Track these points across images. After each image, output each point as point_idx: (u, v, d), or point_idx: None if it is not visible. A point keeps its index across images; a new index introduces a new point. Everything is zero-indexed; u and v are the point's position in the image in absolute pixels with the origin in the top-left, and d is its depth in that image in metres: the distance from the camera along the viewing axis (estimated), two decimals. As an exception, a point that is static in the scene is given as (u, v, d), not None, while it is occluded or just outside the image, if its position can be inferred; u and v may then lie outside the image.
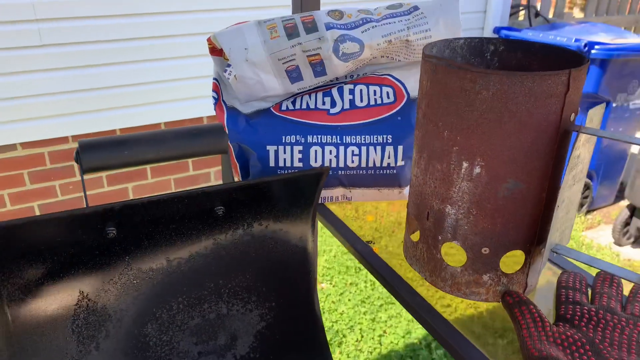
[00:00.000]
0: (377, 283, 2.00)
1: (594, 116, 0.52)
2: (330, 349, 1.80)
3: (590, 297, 0.57)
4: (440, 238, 0.58)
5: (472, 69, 0.49)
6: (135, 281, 0.61)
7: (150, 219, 0.57)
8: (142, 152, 0.58)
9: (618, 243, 2.43)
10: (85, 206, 0.53)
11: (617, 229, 2.40)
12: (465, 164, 0.52)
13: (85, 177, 2.30)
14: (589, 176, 2.66)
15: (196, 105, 2.35)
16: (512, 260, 0.57)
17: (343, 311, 1.99)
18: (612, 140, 2.58)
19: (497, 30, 2.78)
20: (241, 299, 0.68)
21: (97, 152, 0.57)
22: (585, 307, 0.54)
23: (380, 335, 1.86)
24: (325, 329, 1.88)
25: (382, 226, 0.74)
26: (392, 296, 0.62)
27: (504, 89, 0.48)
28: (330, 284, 2.17)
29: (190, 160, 2.46)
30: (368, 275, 2.20)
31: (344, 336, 1.86)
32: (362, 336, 1.86)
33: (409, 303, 0.59)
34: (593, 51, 2.35)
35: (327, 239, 2.47)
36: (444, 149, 0.54)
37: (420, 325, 0.60)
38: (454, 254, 0.58)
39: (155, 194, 0.53)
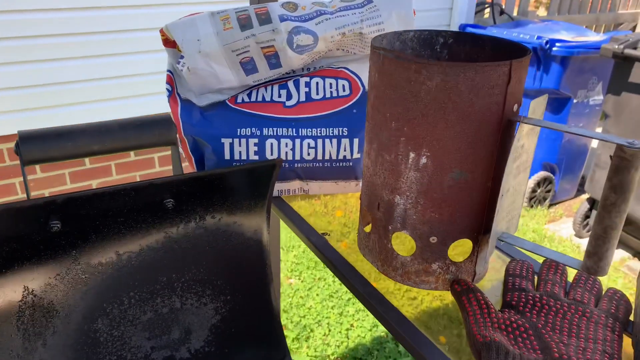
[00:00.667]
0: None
1: (537, 107, 0.53)
2: (298, 344, 1.81)
3: (536, 284, 0.58)
4: (390, 228, 0.58)
5: (417, 60, 0.49)
6: (83, 276, 0.60)
7: (96, 212, 0.56)
8: (85, 144, 0.57)
9: (579, 235, 2.51)
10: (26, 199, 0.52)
11: (578, 221, 2.47)
12: (412, 155, 0.53)
13: (47, 173, 2.24)
14: (552, 170, 2.73)
15: (153, 101, 2.31)
16: (460, 249, 0.58)
17: (311, 306, 2.00)
18: (573, 135, 2.65)
19: (462, 27, 2.82)
20: (195, 292, 0.67)
21: (38, 143, 0.55)
22: (530, 294, 0.55)
23: (347, 329, 1.87)
24: (294, 324, 1.89)
25: (350, 221, 0.74)
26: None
27: (447, 79, 0.48)
28: (299, 279, 2.17)
29: (156, 156, 2.42)
30: (336, 270, 2.21)
31: (312, 330, 1.87)
32: (329, 330, 1.87)
33: (361, 293, 0.59)
34: (554, 48, 2.41)
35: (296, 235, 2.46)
36: (391, 140, 0.54)
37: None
38: (403, 244, 0.59)
39: (101, 187, 0.52)
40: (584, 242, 2.47)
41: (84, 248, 0.58)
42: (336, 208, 0.78)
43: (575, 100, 2.58)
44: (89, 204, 0.54)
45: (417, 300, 0.58)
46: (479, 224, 0.56)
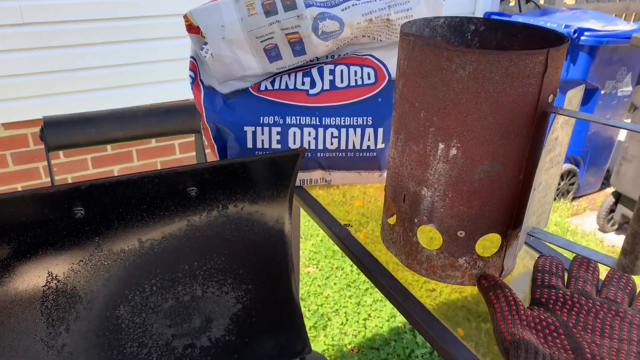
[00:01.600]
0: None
1: (573, 98, 0.51)
2: (316, 332, 1.81)
3: (566, 281, 0.56)
4: (416, 221, 0.57)
5: (449, 48, 0.47)
6: (106, 262, 0.60)
7: (119, 199, 0.55)
8: (109, 130, 0.56)
9: (602, 230, 2.45)
10: (51, 185, 0.52)
11: (602, 215, 2.42)
12: (441, 145, 0.51)
13: (69, 158, 2.27)
14: (576, 163, 2.67)
15: (174, 88, 2.31)
16: (488, 244, 0.57)
17: (329, 295, 2.00)
18: (598, 128, 2.59)
19: (487, 15, 2.75)
20: (216, 281, 0.67)
21: (63, 129, 0.55)
22: (560, 291, 0.53)
23: (365, 319, 1.87)
24: (311, 312, 1.89)
25: (369, 211, 0.73)
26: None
27: (480, 68, 0.47)
28: (317, 267, 2.17)
29: (176, 143, 2.43)
30: (354, 259, 2.20)
31: (329, 319, 1.87)
32: (347, 319, 1.87)
33: (383, 285, 0.58)
34: (582, 37, 2.34)
35: (314, 223, 2.46)
36: (420, 130, 0.53)
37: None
38: (430, 237, 0.58)
39: (125, 174, 0.51)
40: (608, 237, 2.42)
41: (107, 235, 0.58)
42: (354, 198, 0.77)
43: (602, 92, 2.51)
44: (113, 191, 0.54)
45: (435, 292, 0.57)
46: (509, 219, 0.54)
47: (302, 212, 2.42)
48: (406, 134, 0.55)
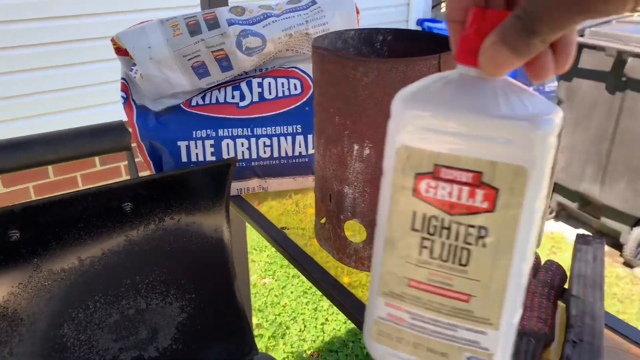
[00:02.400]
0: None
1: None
2: (275, 341, 1.83)
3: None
4: (342, 217, 0.61)
5: (352, 58, 0.52)
6: (46, 283, 0.61)
7: (55, 219, 0.57)
8: (40, 154, 0.58)
9: (541, 218, 2.59)
10: (-17, 210, 0.53)
11: (545, 213, 2.55)
12: (356, 147, 0.56)
13: (10, 188, 2.20)
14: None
15: (111, 111, 2.28)
16: (407, 233, 0.62)
17: (286, 303, 2.02)
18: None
19: (419, 22, 2.88)
20: (160, 292, 0.69)
21: (-8, 155, 0.56)
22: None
23: (322, 324, 1.91)
24: (269, 322, 1.91)
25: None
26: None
27: (381, 75, 0.52)
28: (273, 278, 2.19)
29: (122, 164, 2.40)
30: (309, 266, 2.23)
31: (288, 327, 1.89)
32: (305, 326, 1.90)
33: (317, 280, 0.62)
34: (508, 38, 2.48)
35: (268, 234, 2.48)
36: (337, 134, 0.57)
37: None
38: (355, 231, 0.62)
39: (59, 193, 0.53)
40: (546, 224, 2.56)
41: (45, 255, 0.59)
42: (307, 206, 0.81)
43: (532, 88, 2.66)
44: (48, 212, 0.55)
45: None
46: (424, 209, 0.59)
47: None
48: (326, 138, 0.60)
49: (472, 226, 0.29)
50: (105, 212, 0.60)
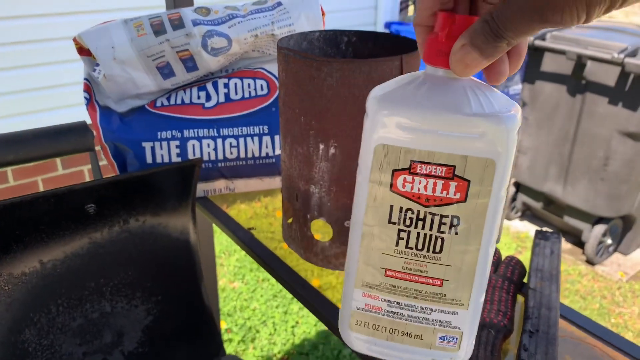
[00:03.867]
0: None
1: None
2: (244, 345, 1.82)
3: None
4: (308, 216, 0.62)
5: (317, 59, 0.53)
6: (7, 287, 0.60)
7: (15, 221, 0.56)
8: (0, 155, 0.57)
9: (507, 217, 2.66)
10: (-61, 213, 0.51)
11: (506, 204, 2.62)
12: (321, 146, 0.57)
13: (-31, 194, 2.13)
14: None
15: (75, 113, 2.23)
16: (373, 231, 0.63)
17: (255, 307, 2.01)
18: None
19: (387, 25, 2.92)
20: (125, 295, 0.68)
21: (-53, 156, 0.55)
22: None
23: (293, 326, 1.91)
24: (238, 326, 1.90)
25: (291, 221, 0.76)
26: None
27: (345, 75, 0.53)
28: (242, 282, 2.18)
29: (85, 169, 2.35)
30: (280, 269, 2.23)
31: (258, 331, 1.88)
32: (275, 329, 1.89)
33: (285, 280, 0.62)
34: (473, 43, 2.54)
35: (238, 237, 2.47)
36: (302, 133, 0.58)
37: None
38: (322, 230, 0.63)
39: (18, 196, 0.52)
40: (512, 224, 2.62)
41: (5, 259, 0.58)
42: (277, 209, 0.80)
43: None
44: (7, 214, 0.54)
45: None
46: (388, 207, 0.60)
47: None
48: (292, 137, 0.60)
49: (446, 216, 0.32)
50: (67, 214, 0.59)
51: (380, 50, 0.66)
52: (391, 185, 0.32)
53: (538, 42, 2.23)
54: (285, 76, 0.58)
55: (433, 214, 0.32)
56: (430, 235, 0.32)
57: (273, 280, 2.16)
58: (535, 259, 0.61)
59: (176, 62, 0.74)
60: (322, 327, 1.89)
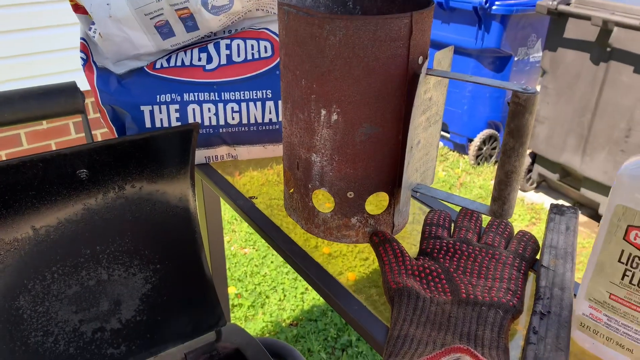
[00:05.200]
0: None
1: (443, 59, 0.54)
2: (254, 310, 1.83)
3: (452, 232, 0.61)
4: (310, 186, 0.59)
5: (319, 15, 0.49)
6: (-1, 253, 0.58)
7: (4, 186, 0.54)
8: (-17, 115, 0.54)
9: (522, 189, 2.60)
10: None
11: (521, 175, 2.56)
12: (323, 112, 0.53)
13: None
14: (496, 128, 2.81)
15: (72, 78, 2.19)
16: (377, 202, 0.60)
17: (266, 273, 2.02)
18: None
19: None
20: (122, 263, 0.66)
21: None
22: (445, 241, 0.57)
23: (302, 293, 1.91)
24: (248, 292, 1.91)
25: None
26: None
27: (349, 33, 0.48)
28: (253, 248, 2.18)
29: (71, 122, 2.28)
30: (290, 236, 2.22)
31: (267, 297, 1.89)
32: (284, 295, 1.90)
33: (284, 251, 0.60)
34: (494, 7, 2.44)
35: (249, 204, 2.46)
36: (303, 98, 0.54)
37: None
38: (323, 200, 0.60)
39: (5, 160, 0.50)
40: (527, 195, 2.57)
41: (-4, 224, 0.56)
42: None
43: (516, 58, 2.63)
44: (-6, 178, 0.52)
45: (368, 261, 0.59)
46: (394, 177, 0.57)
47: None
48: (292, 102, 0.57)
49: None
50: (58, 180, 0.56)
51: (390, 9, 0.61)
52: (625, 235, 0.41)
53: (562, 7, 2.13)
54: (286, 35, 0.54)
55: None
56: None
57: (283, 248, 2.16)
58: (549, 235, 0.57)
59: (175, 21, 0.70)
60: (331, 295, 1.89)
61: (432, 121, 0.57)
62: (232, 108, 0.74)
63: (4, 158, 2.18)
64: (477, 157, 2.80)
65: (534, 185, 2.59)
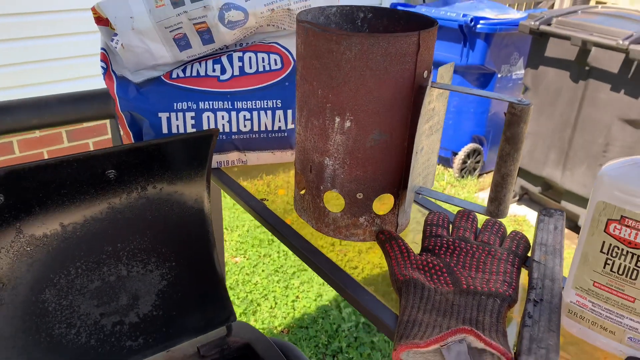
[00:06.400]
0: (290, 252, 2.06)
1: (445, 73, 0.60)
2: (246, 318, 1.86)
3: (450, 231, 0.66)
4: (322, 188, 0.64)
5: (337, 32, 0.54)
6: (28, 248, 0.62)
7: (39, 184, 0.58)
8: (25, 118, 0.58)
9: (505, 201, 2.68)
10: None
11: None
12: (337, 119, 0.59)
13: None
14: (480, 142, 2.90)
15: (91, 84, 2.24)
16: (383, 203, 0.65)
17: (257, 281, 2.05)
18: (498, 108, 2.82)
19: (393, 5, 2.90)
20: (140, 260, 0.70)
21: (-24, 118, 0.56)
22: (445, 239, 0.63)
23: (293, 301, 1.94)
24: (240, 299, 1.94)
25: (292, 199, 0.77)
26: (304, 263, 0.64)
27: (364, 49, 0.54)
28: (244, 257, 2.21)
29: (107, 122, 2.34)
30: (281, 246, 2.26)
31: (259, 305, 1.92)
32: (275, 303, 1.93)
33: (296, 247, 0.65)
34: (479, 26, 2.54)
35: (240, 214, 2.50)
36: (319, 106, 0.60)
37: (331, 288, 0.62)
38: (334, 201, 0.65)
39: (44, 159, 0.54)
40: (510, 207, 2.65)
41: (28, 220, 0.60)
42: (278, 187, 0.82)
43: (499, 75, 2.74)
44: (32, 176, 0.56)
45: (357, 269, 0.62)
46: (399, 180, 0.62)
47: (223, 205, 2.43)
48: (308, 110, 0.62)
49: None
50: (88, 179, 0.61)
51: (395, 27, 0.67)
52: (605, 228, 0.46)
53: (543, 27, 2.23)
54: (304, 49, 0.59)
55: (632, 253, 0.45)
56: (629, 267, 0.46)
57: (274, 256, 2.20)
58: (539, 234, 0.63)
59: (193, 34, 0.75)
60: (322, 301, 1.93)
61: (434, 129, 0.63)
62: (245, 116, 0.78)
63: (45, 155, 2.20)
64: (461, 170, 2.88)
65: (517, 197, 2.68)
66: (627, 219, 0.45)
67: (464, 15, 2.57)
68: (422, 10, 2.79)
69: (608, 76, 2.08)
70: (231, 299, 1.94)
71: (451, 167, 2.99)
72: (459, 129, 2.86)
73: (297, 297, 1.97)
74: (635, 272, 0.46)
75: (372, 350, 1.73)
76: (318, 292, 1.98)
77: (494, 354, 0.46)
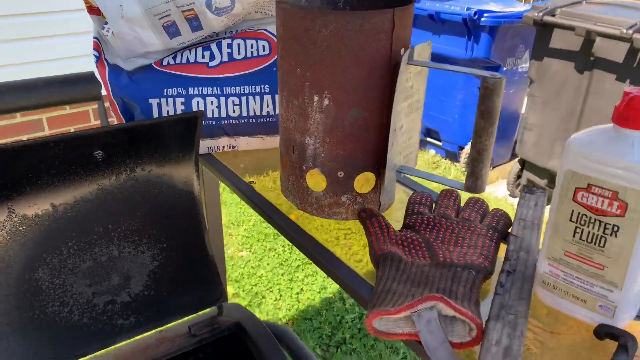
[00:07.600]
0: (295, 247, 2.08)
1: (422, 51, 0.61)
2: (250, 310, 1.87)
3: (433, 210, 0.67)
4: (304, 167, 0.65)
5: (312, 11, 0.56)
6: (21, 228, 0.64)
7: (28, 163, 0.60)
8: (12, 100, 0.60)
9: (512, 195, 2.67)
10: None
11: (511, 181, 2.63)
12: (316, 97, 0.60)
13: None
14: (487, 136, 2.88)
15: (82, 63, 2.25)
16: (365, 182, 0.66)
17: (262, 274, 2.07)
18: (504, 103, 2.81)
19: None
20: (132, 241, 0.72)
21: (-35, 99, 0.58)
22: (426, 216, 0.64)
23: (297, 293, 1.96)
24: (245, 292, 1.96)
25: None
26: (308, 257, 0.65)
27: (339, 26, 0.55)
28: (250, 251, 2.23)
29: (90, 109, 2.35)
30: (286, 240, 2.28)
31: (264, 297, 1.94)
32: (280, 295, 1.95)
33: (284, 229, 0.66)
34: (483, 19, 2.53)
35: (246, 209, 2.52)
36: (298, 85, 0.61)
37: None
38: (316, 180, 0.66)
39: (31, 139, 0.56)
40: (516, 201, 2.64)
41: (20, 200, 0.62)
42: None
43: (504, 68, 2.72)
44: (21, 156, 0.58)
45: (362, 263, 0.62)
46: (380, 158, 0.63)
47: (230, 200, 2.44)
48: (288, 90, 0.63)
49: (609, 224, 0.45)
50: (76, 159, 0.62)
51: (375, 8, 0.68)
52: (573, 197, 0.47)
53: (547, 18, 2.22)
54: (283, 30, 0.60)
55: (600, 221, 0.46)
56: (597, 234, 0.46)
57: (279, 250, 2.22)
58: (519, 209, 0.64)
59: (182, 21, 0.76)
60: (326, 294, 1.94)
61: (413, 108, 0.64)
62: (233, 101, 0.80)
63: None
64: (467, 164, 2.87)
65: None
66: (593, 187, 0.45)
67: (468, 9, 2.56)
68: (427, 4, 2.79)
69: (613, 66, 2.06)
70: (236, 291, 1.97)
71: (458, 161, 2.98)
72: (465, 123, 2.85)
73: (302, 289, 1.98)
74: (603, 239, 0.46)
75: (375, 341, 1.74)
76: (322, 285, 1.99)
77: (464, 321, 0.47)
